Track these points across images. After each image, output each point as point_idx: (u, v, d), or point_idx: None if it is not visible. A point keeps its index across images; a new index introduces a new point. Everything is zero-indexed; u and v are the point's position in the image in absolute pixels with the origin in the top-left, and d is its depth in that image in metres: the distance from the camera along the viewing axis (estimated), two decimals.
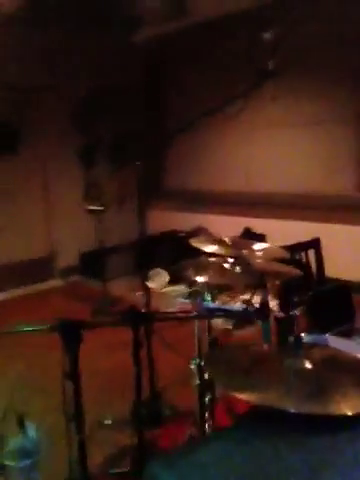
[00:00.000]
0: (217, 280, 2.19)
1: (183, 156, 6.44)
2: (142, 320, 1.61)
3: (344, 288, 2.79)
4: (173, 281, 5.47)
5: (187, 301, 1.98)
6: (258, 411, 1.80)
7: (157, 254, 5.94)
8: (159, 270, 5.68)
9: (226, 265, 2.16)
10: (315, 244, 3.18)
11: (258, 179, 5.74)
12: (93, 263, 6.12)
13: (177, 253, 5.63)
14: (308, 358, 1.69)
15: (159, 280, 5.60)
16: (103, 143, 6.44)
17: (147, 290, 2.85)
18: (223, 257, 2.34)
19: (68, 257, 6.36)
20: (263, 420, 1.67)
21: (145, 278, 5.59)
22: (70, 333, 1.67)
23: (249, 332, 2.87)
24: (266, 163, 5.63)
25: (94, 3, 4.95)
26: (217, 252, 2.54)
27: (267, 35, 2.14)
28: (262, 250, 2.55)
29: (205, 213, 6.12)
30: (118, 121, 6.39)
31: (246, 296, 2.61)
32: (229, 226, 5.60)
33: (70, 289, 6.11)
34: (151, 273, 5.70)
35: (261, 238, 5.21)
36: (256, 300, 2.85)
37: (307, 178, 5.31)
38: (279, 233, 4.70)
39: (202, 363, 2.02)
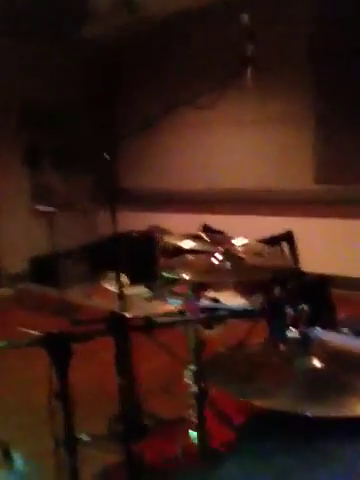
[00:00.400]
0: (203, 278, 2.05)
1: (138, 155, 6.26)
2: (142, 327, 1.44)
3: (322, 280, 2.74)
4: (134, 283, 5.28)
5: (178, 302, 1.84)
6: (261, 417, 1.69)
7: (113, 256, 5.72)
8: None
9: (215, 261, 2.02)
10: (288, 237, 3.12)
11: (216, 176, 5.65)
12: (44, 269, 5.82)
13: (134, 254, 5.48)
14: (316, 356, 1.60)
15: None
16: (50, 144, 6.17)
17: (121, 295, 2.64)
18: (207, 253, 2.21)
19: (16, 263, 6.01)
20: (270, 427, 1.57)
21: (103, 281, 5.39)
22: (59, 347, 1.48)
23: (216, 333, 2.76)
24: (224, 160, 5.56)
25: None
26: (196, 248, 2.41)
27: (245, 18, 2.03)
28: (243, 245, 2.44)
29: (161, 212, 5.98)
30: (65, 123, 6.14)
31: (213, 294, 2.49)
32: (187, 224, 5.48)
33: (20, 297, 5.78)
34: (109, 276, 5.47)
35: (220, 235, 5.13)
36: (224, 298, 2.74)
37: (265, 173, 5.28)
38: (239, 229, 4.63)
39: (194, 369, 1.87)
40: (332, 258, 4.48)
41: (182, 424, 2.40)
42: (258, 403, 1.42)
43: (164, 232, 5.75)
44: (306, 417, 1.34)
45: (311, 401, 1.44)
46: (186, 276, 1.99)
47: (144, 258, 5.29)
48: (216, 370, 1.62)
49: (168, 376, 2.82)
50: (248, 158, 5.34)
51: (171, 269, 2.15)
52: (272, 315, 1.40)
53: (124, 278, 5.44)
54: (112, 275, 5.52)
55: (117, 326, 1.65)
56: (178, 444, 2.16)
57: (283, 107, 5.02)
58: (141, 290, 5.15)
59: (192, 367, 1.88)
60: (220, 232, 5.54)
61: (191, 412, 2.01)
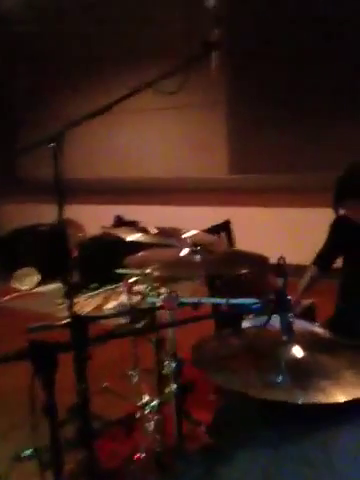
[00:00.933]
0: (168, 272, 1.97)
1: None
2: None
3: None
4: (45, 279, 5.00)
5: (157, 299, 1.73)
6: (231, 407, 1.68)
7: (20, 252, 5.37)
8: (27, 269, 5.13)
9: (182, 255, 1.95)
10: (226, 227, 3.13)
11: (128, 165, 5.53)
12: None
13: (44, 249, 5.18)
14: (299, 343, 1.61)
15: (29, 280, 5.07)
16: None
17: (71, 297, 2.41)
18: (169, 247, 2.13)
19: None
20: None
21: (13, 281, 5.03)
22: (44, 358, 1.32)
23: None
24: (136, 149, 5.46)
25: None
26: (147, 241, 2.32)
27: (211, 2, 1.95)
28: (192, 236, 2.40)
29: (71, 203, 5.69)
30: None
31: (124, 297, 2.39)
32: (99, 215, 5.31)
33: None
34: (18, 273, 5.13)
35: (133, 225, 5.03)
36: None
37: (178, 163, 5.27)
38: (155, 219, 4.59)
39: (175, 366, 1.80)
40: (259, 246, 4.58)
41: (132, 423, 2.32)
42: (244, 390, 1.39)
43: (75, 226, 5.51)
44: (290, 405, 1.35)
45: (298, 389, 1.44)
46: (152, 271, 1.90)
47: (56, 253, 5.03)
48: (201, 356, 1.57)
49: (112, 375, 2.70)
50: (160, 147, 5.30)
51: (129, 265, 2.04)
52: (279, 307, 1.37)
53: (35, 275, 5.15)
54: (21, 272, 5.19)
55: (79, 331, 1.54)
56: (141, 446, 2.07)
57: (196, 97, 5.04)
58: (57, 287, 4.90)
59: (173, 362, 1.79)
60: (133, 222, 5.44)
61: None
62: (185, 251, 1.97)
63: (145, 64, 4.87)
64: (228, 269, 1.84)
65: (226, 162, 5.07)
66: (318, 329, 1.91)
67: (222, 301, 1.55)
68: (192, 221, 3.20)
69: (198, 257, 1.87)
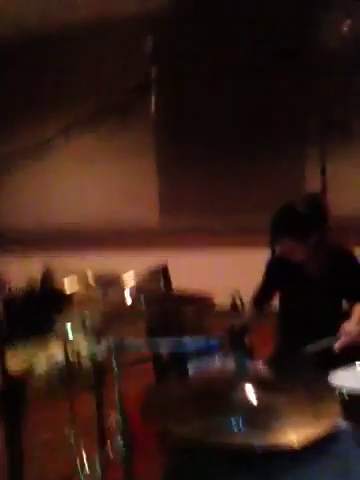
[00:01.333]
0: (110, 319, 1.88)
1: None
2: None
3: None
4: None
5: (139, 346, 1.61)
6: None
7: None
8: None
9: (124, 300, 1.88)
10: (163, 270, 3.08)
11: (56, 212, 5.39)
12: None
13: None
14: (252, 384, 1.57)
15: None
16: None
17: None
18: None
19: None
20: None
21: None
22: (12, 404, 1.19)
23: None
24: (62, 196, 5.34)
25: None
26: (83, 289, 2.24)
27: (149, 40, 1.95)
28: (131, 282, 2.35)
29: None
30: None
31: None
32: (27, 266, 5.08)
33: None
34: None
35: (67, 274, 4.86)
36: None
37: (108, 208, 5.23)
38: (88, 266, 4.48)
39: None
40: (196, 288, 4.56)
41: None
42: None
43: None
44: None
45: (255, 432, 1.40)
46: (92, 319, 1.80)
47: None
48: (149, 407, 1.49)
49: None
50: (92, 193, 5.25)
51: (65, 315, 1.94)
52: (234, 347, 1.33)
53: None
54: None
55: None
56: None
57: (126, 142, 5.07)
58: None
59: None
60: (66, 271, 5.25)
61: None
62: (127, 297, 1.90)
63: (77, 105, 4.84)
64: (172, 310, 1.78)
65: (157, 206, 5.10)
66: (261, 368, 1.89)
67: (172, 342, 1.49)
68: (127, 267, 3.15)
69: (141, 301, 1.81)
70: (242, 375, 1.38)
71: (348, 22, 3.57)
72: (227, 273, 4.51)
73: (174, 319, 1.76)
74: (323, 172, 4.19)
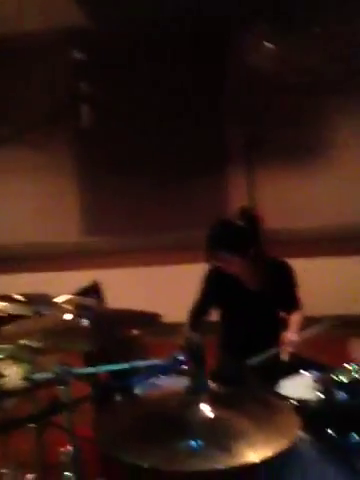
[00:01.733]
0: (50, 342, 1.74)
1: None
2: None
3: None
4: None
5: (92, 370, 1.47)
6: None
7: None
8: None
9: (67, 319, 1.75)
10: (95, 288, 2.96)
11: None
12: None
13: None
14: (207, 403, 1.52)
15: None
16: None
17: None
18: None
19: None
20: None
21: None
22: None
23: None
24: None
25: None
26: (14, 311, 2.09)
27: (78, 54, 1.88)
28: (66, 301, 2.23)
29: None
30: None
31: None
32: None
33: None
34: None
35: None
36: None
37: (25, 227, 4.99)
38: (9, 288, 4.23)
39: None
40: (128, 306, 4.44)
41: None
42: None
43: None
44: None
45: (216, 453, 1.35)
46: (31, 343, 1.66)
47: None
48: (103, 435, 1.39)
49: None
50: (11, 211, 4.99)
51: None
52: (192, 365, 1.26)
53: None
54: None
55: None
56: None
57: (44, 158, 4.89)
58: None
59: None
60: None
61: None
62: (67, 316, 1.78)
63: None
64: (121, 330, 1.69)
65: (78, 225, 4.98)
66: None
67: (125, 366, 1.40)
68: (50, 287, 3.01)
69: (85, 321, 1.70)
70: (200, 393, 1.32)
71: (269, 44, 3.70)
72: (158, 291, 4.47)
73: (121, 338, 1.67)
74: (249, 187, 4.28)
